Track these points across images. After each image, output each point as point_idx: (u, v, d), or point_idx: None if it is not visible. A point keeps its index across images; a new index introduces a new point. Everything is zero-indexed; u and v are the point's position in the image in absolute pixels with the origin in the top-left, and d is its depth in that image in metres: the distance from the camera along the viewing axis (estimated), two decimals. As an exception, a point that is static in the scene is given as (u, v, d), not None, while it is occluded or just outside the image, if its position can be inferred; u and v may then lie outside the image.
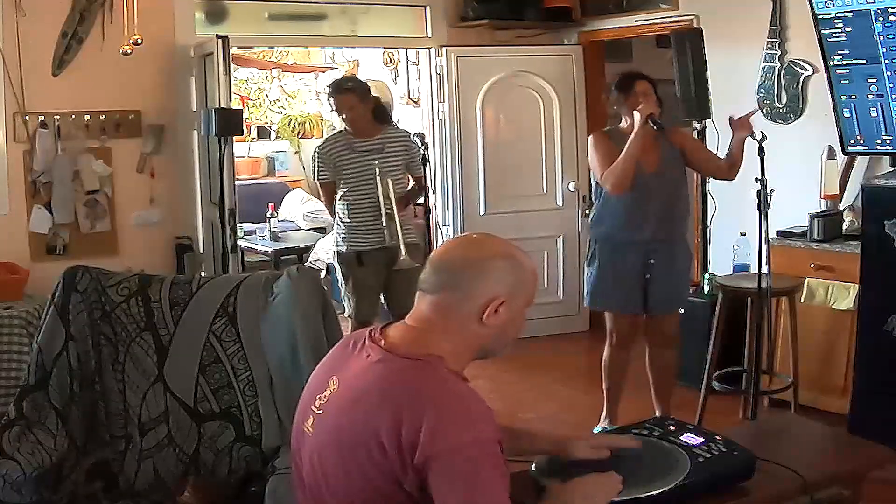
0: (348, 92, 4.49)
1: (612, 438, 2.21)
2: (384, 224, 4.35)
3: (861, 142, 4.25)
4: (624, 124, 4.04)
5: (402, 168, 4.53)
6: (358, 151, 4.46)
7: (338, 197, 4.54)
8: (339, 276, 4.61)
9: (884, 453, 2.33)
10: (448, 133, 5.93)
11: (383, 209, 4.33)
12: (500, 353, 1.86)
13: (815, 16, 4.14)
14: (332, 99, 4.52)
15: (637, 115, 3.84)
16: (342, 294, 4.63)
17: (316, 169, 4.58)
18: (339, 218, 4.55)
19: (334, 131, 5.09)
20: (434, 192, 5.56)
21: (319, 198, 8.96)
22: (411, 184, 4.64)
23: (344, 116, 4.48)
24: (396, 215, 4.32)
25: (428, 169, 4.47)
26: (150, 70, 5.03)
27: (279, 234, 7.40)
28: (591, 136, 4.17)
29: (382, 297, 4.60)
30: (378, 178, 4.34)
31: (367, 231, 4.46)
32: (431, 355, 1.73)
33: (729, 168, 3.97)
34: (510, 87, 6.03)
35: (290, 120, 9.78)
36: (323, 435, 1.76)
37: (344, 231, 4.53)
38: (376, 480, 1.66)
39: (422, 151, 4.38)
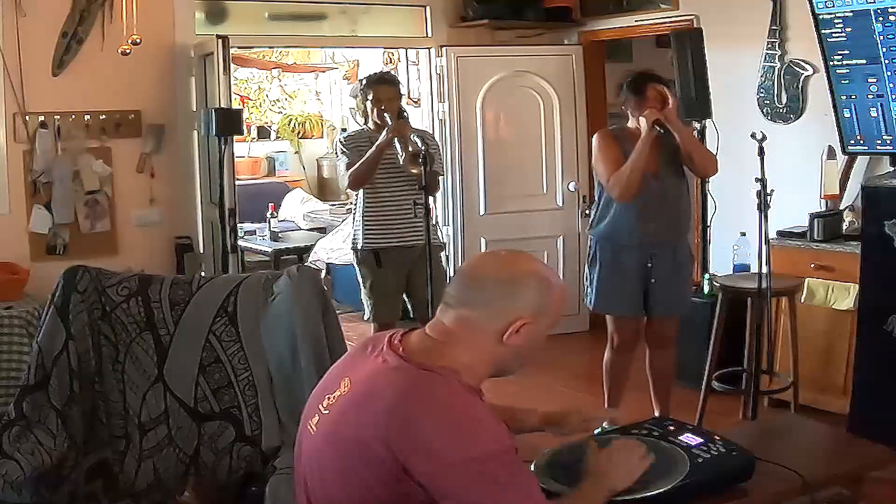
0: (392, 84, 4.47)
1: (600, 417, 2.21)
2: (413, 213, 4.19)
3: (861, 142, 4.25)
4: (632, 124, 4.00)
5: None
6: None
7: (355, 194, 4.47)
8: (358, 277, 4.49)
9: (884, 453, 2.33)
10: (448, 133, 5.92)
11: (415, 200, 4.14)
12: (516, 372, 1.84)
13: (815, 16, 4.14)
14: (371, 89, 4.39)
15: (643, 121, 3.83)
16: (361, 296, 4.51)
17: (338, 152, 4.44)
18: (356, 215, 4.46)
19: (353, 129, 4.98)
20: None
21: (319, 197, 8.93)
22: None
23: (382, 108, 4.32)
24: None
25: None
26: (150, 70, 5.03)
27: (279, 234, 7.40)
28: (595, 136, 4.13)
29: (406, 300, 4.48)
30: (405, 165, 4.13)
31: (387, 229, 4.33)
32: (446, 368, 1.70)
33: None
34: (510, 87, 6.02)
35: (290, 120, 9.80)
36: (325, 434, 1.75)
37: (361, 228, 4.41)
38: (374, 486, 1.65)
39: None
